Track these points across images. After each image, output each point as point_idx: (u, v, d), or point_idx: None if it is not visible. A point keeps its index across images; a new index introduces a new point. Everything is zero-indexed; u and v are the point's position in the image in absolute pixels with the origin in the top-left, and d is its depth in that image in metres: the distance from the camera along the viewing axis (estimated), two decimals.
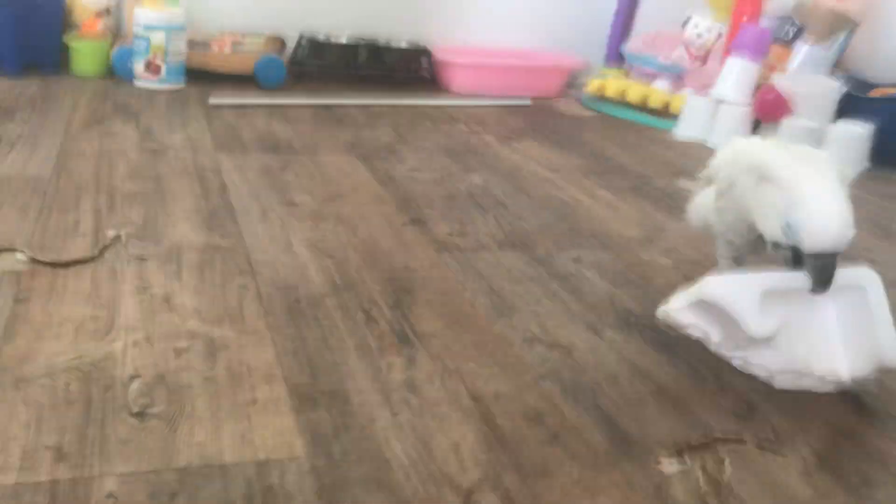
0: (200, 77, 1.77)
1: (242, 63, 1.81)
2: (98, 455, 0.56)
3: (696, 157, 1.62)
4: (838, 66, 1.90)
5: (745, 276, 0.78)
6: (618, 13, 2.36)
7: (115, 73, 1.74)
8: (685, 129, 1.85)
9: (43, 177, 1.09)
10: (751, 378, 0.76)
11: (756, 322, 0.72)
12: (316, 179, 1.22)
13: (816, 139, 1.65)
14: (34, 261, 0.83)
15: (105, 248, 0.89)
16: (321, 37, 2.01)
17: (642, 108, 2.03)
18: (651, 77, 2.15)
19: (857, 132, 1.63)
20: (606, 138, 1.75)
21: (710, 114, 1.82)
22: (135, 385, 0.64)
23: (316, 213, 1.08)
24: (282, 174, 1.23)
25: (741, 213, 0.81)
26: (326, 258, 0.93)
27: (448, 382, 0.70)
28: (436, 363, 0.73)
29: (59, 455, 0.55)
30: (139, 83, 1.69)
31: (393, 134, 1.56)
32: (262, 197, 1.12)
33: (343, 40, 2.02)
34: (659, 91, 2.03)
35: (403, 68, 2.06)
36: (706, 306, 0.75)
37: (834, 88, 1.70)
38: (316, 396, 0.66)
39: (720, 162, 0.87)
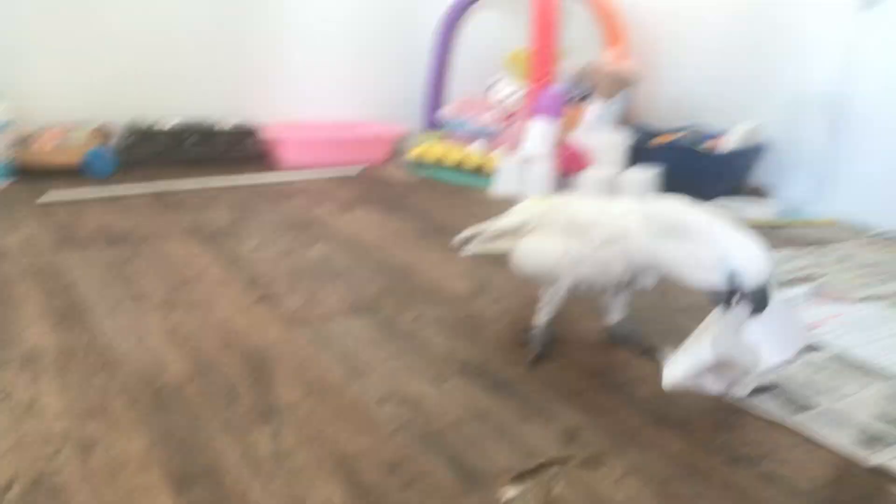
0: (27, 174, 1.76)
1: (70, 156, 1.81)
2: None
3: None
4: (626, 120, 2.16)
5: (716, 330, 0.88)
6: (430, 82, 2.54)
7: None
8: (500, 187, 2.02)
9: None
10: (569, 407, 0.89)
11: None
12: (161, 268, 1.26)
13: (613, 186, 1.87)
14: None
15: None
16: (147, 124, 2.04)
17: (460, 169, 2.20)
18: (467, 140, 2.33)
19: (645, 177, 1.86)
20: (431, 200, 1.89)
21: (520, 171, 2.00)
22: (14, 491, 0.68)
23: (166, 302, 1.12)
24: (126, 267, 1.26)
25: (635, 265, 0.94)
26: (182, 345, 0.99)
27: (312, 448, 0.78)
28: (300, 432, 0.81)
29: None
30: None
31: (231, 214, 1.62)
32: (110, 292, 1.15)
33: (169, 126, 2.06)
34: (473, 153, 2.21)
35: (231, 149, 2.13)
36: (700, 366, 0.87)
37: (622, 140, 1.93)
38: (191, 477, 0.72)
39: (531, 215, 1.02)
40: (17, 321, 1.02)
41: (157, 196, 1.74)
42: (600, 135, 1.96)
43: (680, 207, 0.91)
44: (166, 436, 0.78)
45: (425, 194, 1.95)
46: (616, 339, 1.09)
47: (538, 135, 1.97)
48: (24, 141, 1.78)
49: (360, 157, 2.25)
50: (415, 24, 2.57)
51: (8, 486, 0.68)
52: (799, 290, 1.34)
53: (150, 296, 1.15)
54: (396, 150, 2.39)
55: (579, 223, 0.99)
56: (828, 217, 1.88)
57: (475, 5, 2.51)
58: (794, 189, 1.99)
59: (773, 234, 1.73)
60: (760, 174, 2.03)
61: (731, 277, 0.84)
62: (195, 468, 0.73)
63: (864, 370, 1.02)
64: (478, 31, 2.62)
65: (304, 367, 0.95)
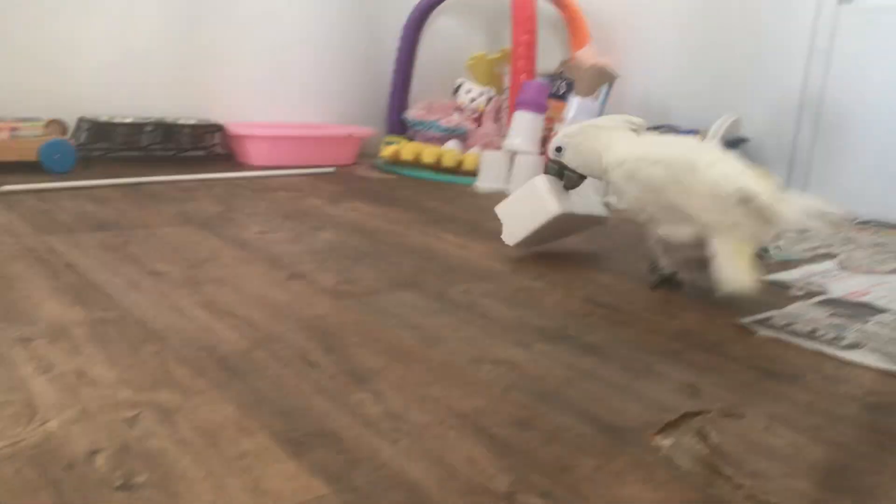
0: None
1: (25, 150, 1.65)
2: None
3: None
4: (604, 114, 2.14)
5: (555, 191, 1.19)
6: (394, 84, 2.47)
7: None
8: (485, 182, 1.96)
9: None
10: (680, 365, 0.82)
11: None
12: (167, 250, 1.14)
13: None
14: None
15: None
16: (103, 118, 1.89)
17: (436, 168, 2.13)
18: (435, 140, 2.27)
19: None
20: (420, 194, 1.81)
21: (507, 165, 1.95)
22: (100, 459, 0.56)
23: (189, 279, 1.00)
24: (126, 248, 1.13)
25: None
26: (228, 317, 0.87)
27: (425, 407, 0.68)
28: (403, 393, 0.71)
29: None
30: None
31: (219, 205, 1.50)
32: (120, 270, 1.02)
33: (128, 120, 1.92)
34: (452, 151, 2.14)
35: (194, 146, 1.99)
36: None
37: None
38: (304, 440, 0.61)
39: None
40: (26, 298, 0.88)
41: (131, 187, 1.59)
42: None
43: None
44: (257, 401, 0.67)
45: (410, 190, 1.86)
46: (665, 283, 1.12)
47: (524, 128, 1.92)
48: None
49: (329, 158, 2.14)
50: (378, 29, 2.51)
51: (90, 456, 0.56)
52: (828, 264, 1.32)
53: (168, 274, 1.02)
54: (364, 151, 2.30)
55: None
56: None
57: (436, 10, 2.46)
58: None
59: None
60: None
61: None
62: (304, 431, 0.62)
63: None
64: (439, 35, 2.58)
65: (371, 335, 0.85)
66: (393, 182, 1.99)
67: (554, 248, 1.31)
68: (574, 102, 2.05)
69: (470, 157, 2.10)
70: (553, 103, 2.07)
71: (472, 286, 1.07)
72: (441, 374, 0.76)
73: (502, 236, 1.24)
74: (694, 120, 2.08)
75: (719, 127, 1.92)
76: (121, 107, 1.96)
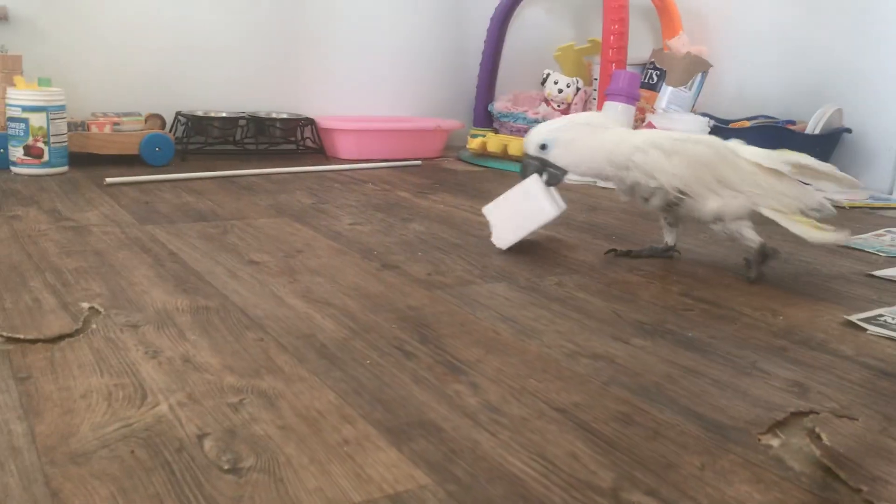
0: (82, 160, 1.65)
1: (127, 142, 1.71)
2: None
3: (595, 194, 1.70)
4: (695, 105, 2.08)
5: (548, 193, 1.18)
6: (480, 78, 2.46)
7: None
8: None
9: None
10: (785, 363, 0.79)
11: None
12: (263, 240, 1.16)
13: None
14: (12, 340, 0.73)
15: (86, 320, 0.79)
16: (199, 113, 1.94)
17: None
18: (521, 132, 2.25)
19: None
20: (507, 187, 1.78)
21: None
22: (208, 443, 0.57)
23: (285, 269, 1.02)
24: (225, 237, 1.16)
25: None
26: (325, 306, 0.88)
27: (524, 400, 0.67)
28: (500, 385, 0.70)
29: None
30: (18, 169, 1.55)
31: (311, 196, 1.52)
32: (220, 259, 1.05)
33: (223, 114, 1.97)
34: None
35: (289, 138, 2.03)
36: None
37: (705, 123, 1.85)
38: (404, 429, 0.61)
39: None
40: (134, 285, 0.92)
41: (226, 180, 1.63)
42: (682, 118, 1.87)
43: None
44: (355, 389, 0.67)
45: (497, 182, 1.85)
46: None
47: (615, 117, 1.88)
48: (76, 127, 1.68)
49: (417, 151, 2.15)
50: (465, 21, 2.50)
51: (199, 439, 0.57)
52: None
53: (265, 263, 1.04)
54: (451, 143, 2.30)
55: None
56: None
57: (524, 1, 2.44)
58: (874, 175, 1.91)
59: (868, 216, 1.65)
60: (840, 159, 1.95)
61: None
62: (403, 420, 0.62)
63: None
64: (526, 26, 2.56)
65: (466, 326, 0.85)
66: (480, 174, 1.98)
67: (646, 241, 1.28)
68: (666, 92, 2.00)
69: None
70: (644, 93, 2.02)
71: (565, 278, 1.06)
72: (538, 367, 0.75)
73: (492, 239, 1.20)
74: (792, 111, 2.00)
75: (820, 117, 1.85)
76: (215, 101, 2.01)
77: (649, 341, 0.84)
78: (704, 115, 1.95)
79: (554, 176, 1.16)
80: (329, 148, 2.08)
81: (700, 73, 2.01)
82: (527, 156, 1.17)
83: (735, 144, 1.11)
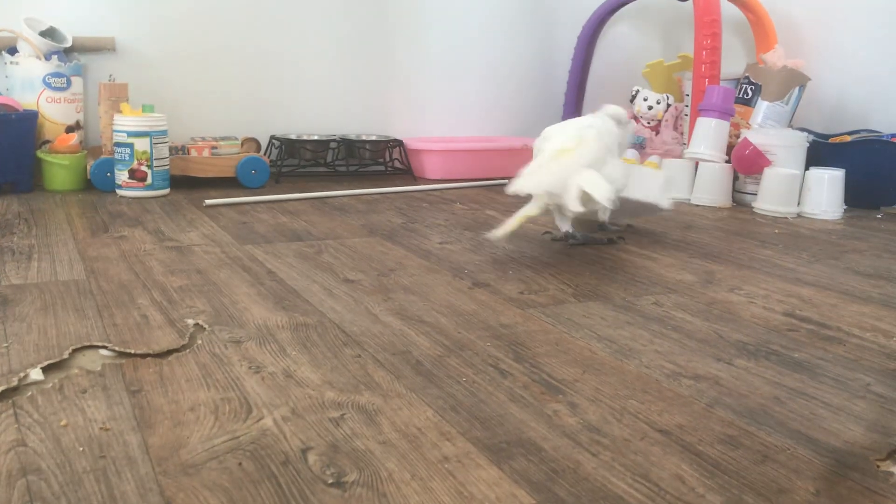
0: (180, 183, 1.72)
1: (224, 165, 1.77)
2: None
3: (684, 212, 1.66)
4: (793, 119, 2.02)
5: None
6: (569, 94, 2.45)
7: (93, 185, 1.66)
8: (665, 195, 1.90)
9: (80, 280, 1.01)
10: (893, 388, 0.75)
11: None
12: (357, 259, 1.18)
13: (797, 185, 1.73)
14: (124, 354, 0.76)
15: (192, 335, 0.82)
16: (292, 136, 1.99)
17: None
18: None
19: (836, 175, 1.71)
20: None
21: (690, 173, 1.88)
22: (312, 457, 0.58)
23: (379, 287, 1.03)
24: (320, 257, 1.18)
25: None
26: (419, 323, 0.89)
27: (625, 420, 0.66)
28: (599, 405, 0.69)
29: None
30: (123, 192, 1.62)
31: (401, 216, 1.54)
32: (316, 277, 1.07)
33: (315, 137, 2.01)
34: (629, 160, 2.09)
35: (377, 160, 2.06)
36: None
37: (803, 139, 1.79)
38: (503, 447, 0.61)
39: None
40: (235, 303, 0.94)
41: (319, 200, 1.67)
42: (780, 133, 1.82)
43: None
44: (452, 406, 0.67)
45: None
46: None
47: (708, 135, 1.84)
48: (177, 151, 1.74)
49: (504, 169, 2.15)
50: (552, 39, 2.50)
51: (303, 453, 0.58)
52: None
53: (360, 281, 1.06)
54: None
55: None
56: None
57: (612, 18, 2.42)
58: None
59: None
60: None
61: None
62: (502, 438, 0.62)
63: None
64: (615, 43, 2.54)
65: (561, 345, 0.84)
66: None
67: (745, 260, 1.25)
68: (762, 107, 1.95)
69: (650, 165, 2.04)
70: (738, 108, 1.97)
71: (662, 298, 1.04)
72: (637, 388, 0.73)
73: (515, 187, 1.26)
74: (891, 126, 1.91)
75: None
76: (307, 125, 2.07)
77: (753, 362, 0.81)
78: (802, 129, 1.88)
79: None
80: (417, 168, 2.10)
81: (797, 87, 1.94)
82: None
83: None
